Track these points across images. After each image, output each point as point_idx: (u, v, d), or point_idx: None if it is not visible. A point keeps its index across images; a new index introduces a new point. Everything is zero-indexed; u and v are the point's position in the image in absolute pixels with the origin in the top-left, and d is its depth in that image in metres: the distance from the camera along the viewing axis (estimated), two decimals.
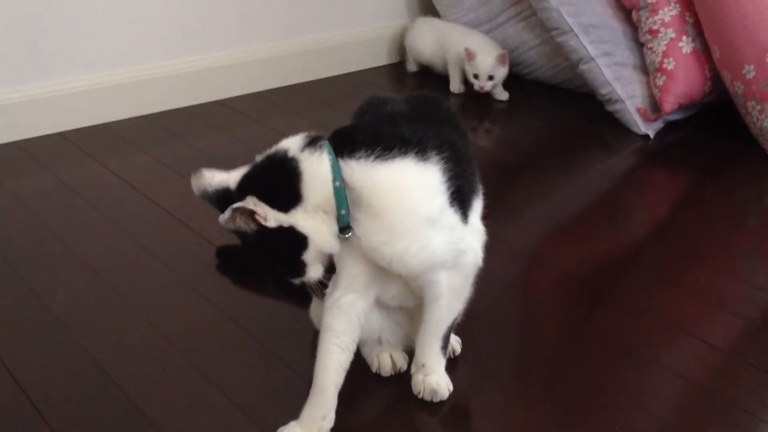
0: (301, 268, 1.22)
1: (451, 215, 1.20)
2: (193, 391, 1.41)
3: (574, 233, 2.01)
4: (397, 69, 3.16)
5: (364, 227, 1.18)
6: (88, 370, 1.46)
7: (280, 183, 1.18)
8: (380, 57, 3.15)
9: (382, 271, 1.24)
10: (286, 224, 1.17)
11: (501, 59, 2.68)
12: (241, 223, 1.17)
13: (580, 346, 1.56)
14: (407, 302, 1.34)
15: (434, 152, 1.18)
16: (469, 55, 2.70)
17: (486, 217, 1.32)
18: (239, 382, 1.42)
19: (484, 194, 1.32)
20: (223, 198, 1.21)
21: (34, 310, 1.63)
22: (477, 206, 1.29)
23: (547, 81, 2.88)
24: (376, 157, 1.15)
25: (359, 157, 1.16)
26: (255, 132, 2.54)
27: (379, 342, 1.41)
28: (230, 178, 1.22)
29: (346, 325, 1.26)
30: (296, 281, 1.26)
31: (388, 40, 3.17)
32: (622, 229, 2.03)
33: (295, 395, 1.31)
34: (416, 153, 1.17)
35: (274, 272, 1.27)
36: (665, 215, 2.14)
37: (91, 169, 2.27)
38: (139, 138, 2.47)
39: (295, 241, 1.18)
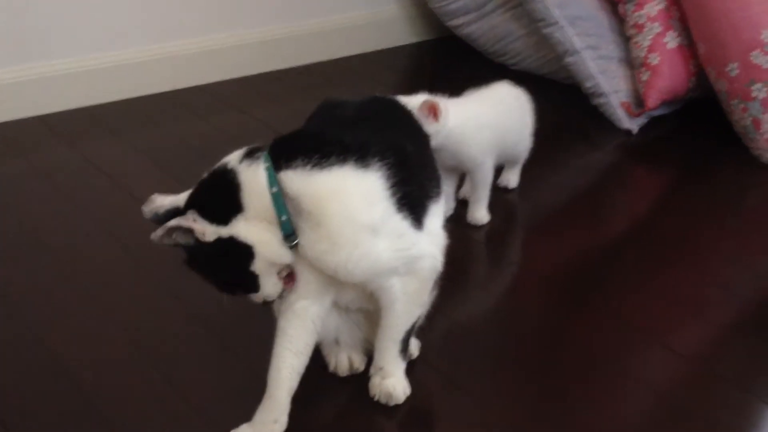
0: (252, 280, 1.21)
1: (398, 221, 1.19)
2: (151, 390, 1.39)
3: (551, 232, 1.99)
4: (386, 56, 3.13)
5: (306, 236, 1.18)
6: (45, 364, 1.44)
7: (220, 195, 1.19)
8: (370, 43, 3.12)
9: (334, 277, 1.22)
10: (225, 235, 1.17)
11: (427, 110, 1.74)
12: (179, 239, 1.19)
13: (548, 352, 1.54)
14: (365, 306, 1.32)
15: (376, 158, 1.17)
16: None
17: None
18: (199, 382, 1.41)
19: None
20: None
21: None
22: (436, 210, 1.28)
23: (534, 72, 2.85)
24: (314, 165, 1.15)
25: (296, 166, 1.16)
26: (237, 121, 2.51)
27: (337, 342, 1.39)
28: (179, 198, 1.23)
29: (300, 330, 1.25)
30: (256, 299, 1.25)
31: (376, 26, 3.13)
32: (600, 228, 2.00)
33: (255, 397, 1.29)
34: (356, 160, 1.16)
35: (227, 287, 1.26)
36: (645, 215, 2.12)
37: (66, 154, 2.25)
38: (117, 123, 2.44)
39: (239, 251, 1.18)
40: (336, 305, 1.31)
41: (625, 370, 1.48)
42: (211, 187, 1.21)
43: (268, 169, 1.17)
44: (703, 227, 1.99)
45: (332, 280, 1.23)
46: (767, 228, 2.02)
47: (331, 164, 1.15)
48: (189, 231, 1.18)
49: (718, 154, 2.37)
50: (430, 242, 1.26)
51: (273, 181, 1.16)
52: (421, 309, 1.33)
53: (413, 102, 1.74)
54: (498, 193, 2.05)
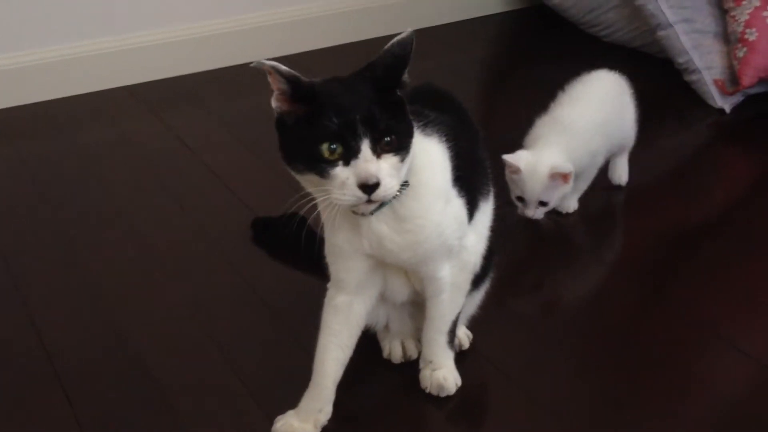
0: None
1: (458, 201, 1.19)
2: (206, 365, 1.44)
3: (633, 218, 1.93)
4: (474, 25, 3.06)
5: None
6: (108, 333, 1.51)
7: None
8: (458, 12, 3.06)
9: (375, 271, 1.22)
10: None
11: (557, 178, 1.70)
12: None
13: (612, 350, 1.49)
14: (411, 298, 1.32)
15: (444, 137, 1.18)
16: (510, 168, 1.74)
17: None
18: (253, 362, 1.44)
19: None
20: None
21: (72, 268, 1.69)
22: (485, 208, 1.26)
23: (626, 44, 2.74)
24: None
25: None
26: None
27: (388, 329, 1.40)
28: None
29: (342, 325, 1.26)
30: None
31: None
32: (685, 215, 1.91)
33: (306, 380, 1.30)
34: (435, 132, 1.18)
35: None
36: (733, 202, 2.01)
37: (150, 124, 2.32)
38: (203, 94, 2.49)
39: None
40: (382, 299, 1.30)
41: (692, 373, 1.42)
42: None
43: None
44: None
45: (371, 275, 1.23)
46: None
47: (420, 131, 1.15)
48: None
49: None
50: (476, 241, 1.25)
51: None
52: (464, 299, 1.32)
53: (526, 160, 1.70)
54: None
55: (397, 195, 1.11)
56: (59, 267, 1.70)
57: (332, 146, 1.05)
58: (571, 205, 1.87)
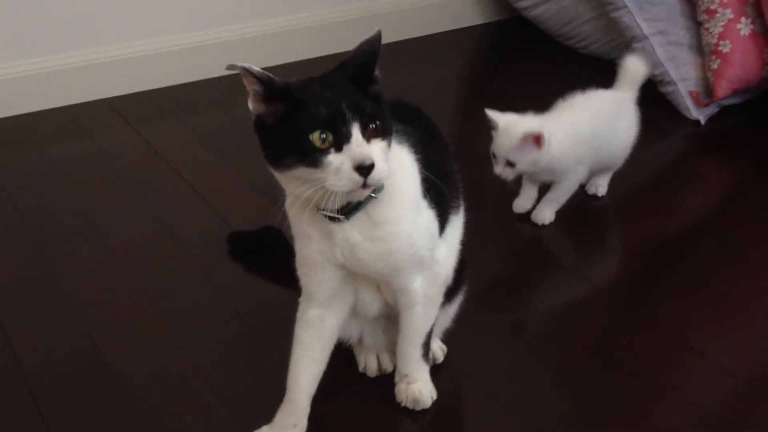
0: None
1: (429, 211, 1.20)
2: (181, 380, 1.43)
3: (609, 230, 1.94)
4: (453, 37, 3.08)
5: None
6: (83, 350, 1.50)
7: None
8: (437, 24, 3.08)
9: (346, 283, 1.23)
10: None
11: (532, 140, 1.72)
12: None
13: (589, 362, 1.50)
14: (383, 311, 1.32)
15: (413, 149, 1.20)
16: (490, 123, 1.79)
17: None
18: (228, 377, 1.44)
19: None
20: None
21: (46, 284, 1.68)
22: (455, 222, 1.28)
23: (602, 56, 2.76)
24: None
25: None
26: None
27: (361, 343, 1.40)
28: None
29: (315, 340, 1.26)
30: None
31: (443, 7, 3.08)
32: (661, 227, 1.92)
33: (281, 395, 1.30)
34: (407, 143, 1.20)
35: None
36: (708, 213, 2.03)
37: (129, 137, 2.31)
38: (181, 106, 2.49)
39: None
40: (355, 313, 1.31)
41: (666, 383, 1.43)
42: None
43: None
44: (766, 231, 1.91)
45: (350, 285, 1.24)
46: None
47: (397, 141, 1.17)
48: None
49: None
50: (447, 254, 1.26)
51: None
52: (437, 312, 1.32)
53: (508, 119, 1.74)
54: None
55: (372, 197, 1.13)
56: (34, 284, 1.69)
57: (323, 135, 1.07)
58: (547, 216, 1.88)
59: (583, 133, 1.82)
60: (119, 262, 1.76)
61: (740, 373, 1.45)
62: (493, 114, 1.75)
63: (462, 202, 1.33)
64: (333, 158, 1.07)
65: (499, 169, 1.76)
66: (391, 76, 1.14)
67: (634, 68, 1.98)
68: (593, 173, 1.96)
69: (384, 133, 1.11)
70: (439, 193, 1.22)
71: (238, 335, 1.54)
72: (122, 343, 1.52)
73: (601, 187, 2.00)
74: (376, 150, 1.09)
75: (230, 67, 1.09)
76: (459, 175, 1.36)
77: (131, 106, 2.48)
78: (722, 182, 2.21)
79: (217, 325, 1.57)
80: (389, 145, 1.12)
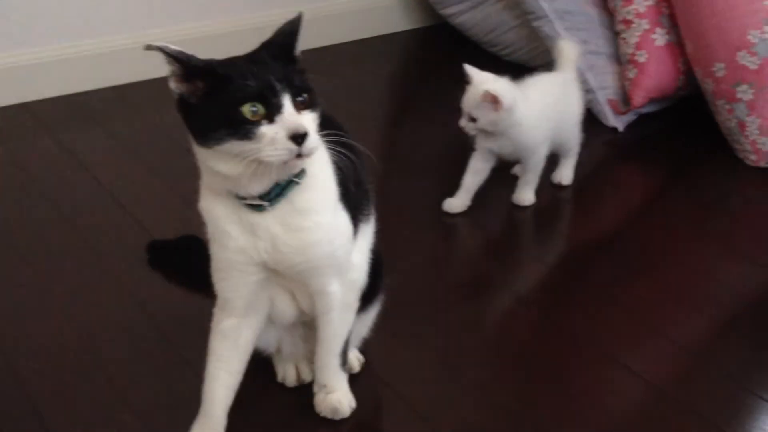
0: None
1: (346, 216, 1.21)
2: (95, 395, 1.40)
3: (529, 233, 1.97)
4: (379, 42, 3.08)
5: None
6: None
7: None
8: (363, 30, 3.09)
9: (262, 289, 1.22)
10: None
11: (490, 100, 1.82)
12: None
13: (503, 369, 1.52)
14: (299, 319, 1.32)
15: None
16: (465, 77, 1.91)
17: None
18: (144, 390, 1.41)
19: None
20: None
21: None
22: (366, 231, 1.29)
23: (526, 63, 2.79)
24: None
25: None
26: None
27: (279, 353, 1.40)
28: None
29: (231, 351, 1.25)
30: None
31: (369, 12, 3.09)
32: (579, 232, 1.97)
33: (197, 407, 1.28)
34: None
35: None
36: (626, 217, 2.08)
37: (45, 142, 2.25)
38: (100, 111, 2.44)
39: None
40: (271, 322, 1.30)
41: (583, 392, 1.46)
42: None
43: None
44: (683, 232, 1.96)
45: (266, 291, 1.23)
46: (748, 234, 1.99)
47: None
48: None
49: (705, 153, 2.32)
50: (361, 260, 1.28)
51: None
52: (353, 318, 1.33)
53: (481, 77, 1.86)
54: (498, 190, 2.04)
55: (295, 183, 1.14)
56: None
57: (253, 107, 1.07)
58: (527, 198, 2.02)
59: (549, 109, 1.95)
60: (34, 272, 1.72)
61: (653, 379, 1.49)
62: (470, 69, 1.87)
63: (372, 212, 1.33)
64: (266, 129, 1.07)
65: (463, 122, 1.89)
66: (319, 82, 1.15)
67: (568, 49, 2.12)
68: (558, 155, 2.09)
69: (312, 105, 1.12)
70: (351, 200, 1.23)
71: (154, 347, 1.52)
72: (32, 356, 1.48)
73: (564, 177, 2.12)
74: (307, 120, 1.10)
75: (147, 47, 1.09)
76: (371, 185, 1.36)
77: (48, 111, 2.42)
78: (640, 189, 2.26)
79: (133, 337, 1.54)
80: (318, 118, 1.13)
